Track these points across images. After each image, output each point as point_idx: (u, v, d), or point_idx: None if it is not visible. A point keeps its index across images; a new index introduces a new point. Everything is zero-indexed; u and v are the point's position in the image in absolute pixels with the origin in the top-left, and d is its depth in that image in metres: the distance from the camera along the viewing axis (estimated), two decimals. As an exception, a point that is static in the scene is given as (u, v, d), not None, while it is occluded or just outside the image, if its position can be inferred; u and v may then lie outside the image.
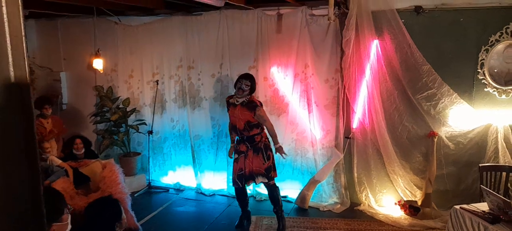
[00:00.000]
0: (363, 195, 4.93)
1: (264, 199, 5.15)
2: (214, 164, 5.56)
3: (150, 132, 5.63)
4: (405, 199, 4.70)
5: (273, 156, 4.29)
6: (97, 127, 6.00)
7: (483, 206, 3.23)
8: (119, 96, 5.85)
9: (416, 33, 4.50)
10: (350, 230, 4.38)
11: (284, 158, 4.44)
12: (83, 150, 4.96)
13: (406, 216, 4.57)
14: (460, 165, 4.62)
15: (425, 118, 4.60)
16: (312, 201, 5.00)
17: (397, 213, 4.66)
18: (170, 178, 5.85)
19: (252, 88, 4.24)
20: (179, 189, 5.68)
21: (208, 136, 5.59)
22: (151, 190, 5.63)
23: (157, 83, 5.63)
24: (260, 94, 5.10)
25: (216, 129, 5.52)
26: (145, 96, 5.84)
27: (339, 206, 4.91)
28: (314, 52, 4.91)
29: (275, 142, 4.28)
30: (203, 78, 5.49)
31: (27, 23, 6.02)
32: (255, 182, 4.29)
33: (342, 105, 4.86)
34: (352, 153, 4.93)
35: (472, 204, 3.32)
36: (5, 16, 0.61)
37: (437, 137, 4.57)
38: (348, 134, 4.91)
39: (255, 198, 5.20)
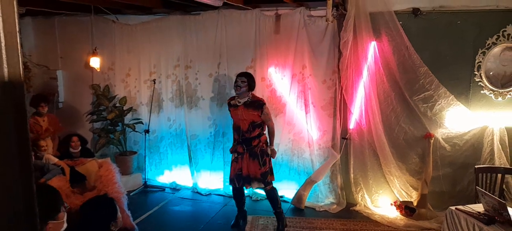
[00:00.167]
0: (359, 196, 4.94)
1: (261, 199, 5.15)
2: (211, 163, 5.56)
3: (147, 131, 5.62)
4: (401, 200, 4.72)
5: (270, 160, 4.27)
6: (93, 125, 5.98)
7: (479, 207, 3.24)
8: (116, 95, 5.83)
9: (413, 35, 4.51)
10: (346, 230, 4.38)
11: (273, 157, 4.39)
12: (79, 148, 4.96)
13: (402, 217, 4.58)
14: (456, 167, 4.64)
15: (422, 119, 4.61)
16: (308, 201, 5.00)
17: (393, 214, 4.67)
18: (166, 177, 5.84)
19: (250, 86, 4.18)
20: (175, 188, 5.67)
21: (204, 136, 5.58)
22: (147, 189, 5.62)
23: (154, 83, 5.62)
24: (258, 94, 5.08)
25: (213, 128, 5.52)
26: (142, 95, 5.82)
27: (335, 206, 4.92)
28: (311, 53, 4.91)
29: (271, 143, 4.27)
30: (201, 78, 5.48)
31: (24, 21, 6.00)
32: (251, 186, 4.28)
33: (339, 106, 4.87)
34: (348, 153, 4.94)
35: (467, 205, 3.33)
36: (-2, 12, 0.60)
37: (433, 138, 4.59)
38: (345, 134, 4.91)
39: (251, 197, 5.20)
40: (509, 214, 2.94)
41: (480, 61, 4.44)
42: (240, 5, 4.80)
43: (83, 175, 4.36)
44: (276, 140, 4.39)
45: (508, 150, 4.43)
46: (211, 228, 4.52)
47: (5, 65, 0.62)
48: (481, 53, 4.43)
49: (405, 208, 4.59)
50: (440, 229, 3.65)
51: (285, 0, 4.64)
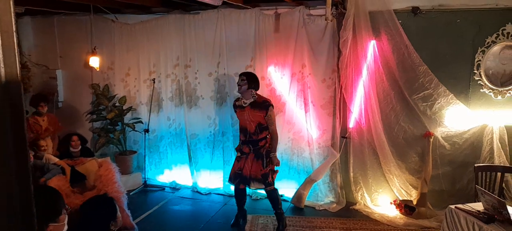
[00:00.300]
0: (359, 195, 4.94)
1: (260, 198, 5.16)
2: (210, 162, 5.55)
3: (146, 130, 5.62)
4: (401, 199, 4.72)
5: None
6: (93, 125, 5.98)
7: (478, 206, 3.24)
8: (116, 95, 5.83)
9: (413, 34, 4.51)
10: (345, 229, 4.38)
11: (277, 165, 4.31)
12: (79, 147, 4.96)
13: (402, 216, 4.58)
14: (455, 165, 4.64)
15: (421, 118, 4.61)
16: (308, 200, 5.00)
17: (393, 213, 4.67)
18: (166, 177, 5.84)
19: (250, 83, 4.14)
20: (175, 187, 5.67)
21: (204, 135, 5.58)
22: (147, 189, 5.62)
23: (154, 82, 5.61)
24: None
25: (212, 128, 5.52)
26: (142, 95, 5.82)
27: (335, 205, 4.92)
28: (311, 52, 4.91)
29: (273, 149, 4.18)
30: (200, 77, 5.48)
31: (23, 20, 6.00)
32: (249, 187, 4.26)
33: (338, 105, 4.86)
34: (348, 152, 4.94)
35: (467, 204, 3.33)
36: (-5, 12, 0.60)
37: (433, 137, 4.59)
38: (344, 133, 4.91)
39: (251, 197, 5.20)
40: (508, 213, 2.94)
41: (480, 60, 4.44)
42: (240, 4, 4.80)
43: (83, 175, 4.35)
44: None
45: (507, 149, 4.42)
46: (211, 227, 4.52)
47: (1, 65, 0.61)
48: (480, 51, 4.43)
49: (405, 206, 4.60)
50: (440, 228, 3.65)
51: (284, -1, 4.64)
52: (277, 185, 4.60)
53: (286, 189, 5.18)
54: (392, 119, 4.72)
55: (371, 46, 4.63)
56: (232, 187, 5.35)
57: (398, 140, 4.73)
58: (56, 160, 4.48)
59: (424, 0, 4.47)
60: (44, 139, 4.94)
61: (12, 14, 0.63)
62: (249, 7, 5.00)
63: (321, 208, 4.90)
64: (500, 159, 4.39)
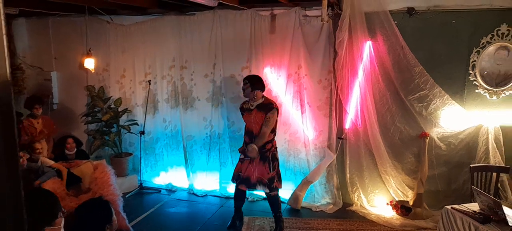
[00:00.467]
0: (356, 196, 4.94)
1: (257, 200, 5.15)
2: (207, 164, 5.53)
3: (142, 132, 5.59)
4: (397, 199, 4.72)
5: (278, 166, 4.25)
6: (88, 127, 5.94)
7: (474, 206, 3.25)
8: (111, 96, 5.79)
9: (408, 35, 4.52)
10: (342, 230, 4.38)
11: (248, 154, 4.11)
12: (75, 150, 4.93)
13: (398, 216, 4.59)
14: (451, 166, 4.65)
15: (417, 118, 4.62)
16: (304, 202, 5.00)
17: (389, 213, 4.67)
18: (162, 179, 5.81)
19: (254, 85, 4.12)
20: (171, 189, 5.64)
21: (200, 137, 5.56)
22: (143, 191, 5.59)
23: (150, 83, 5.59)
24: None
25: (208, 129, 5.50)
26: (137, 97, 5.79)
27: (331, 206, 4.92)
28: (307, 53, 4.91)
29: (255, 142, 4.01)
30: (196, 78, 5.46)
31: (17, 21, 5.95)
32: (255, 188, 4.23)
33: (334, 106, 4.86)
34: (344, 153, 4.94)
35: (463, 204, 3.34)
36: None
37: (428, 137, 4.60)
38: (340, 134, 4.91)
39: (248, 198, 5.18)
40: (504, 213, 2.94)
41: (475, 60, 4.46)
42: (235, 5, 4.79)
43: (79, 177, 4.33)
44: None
45: (503, 149, 4.44)
46: (208, 229, 4.50)
47: (-9, 67, 0.60)
48: (475, 52, 4.45)
49: (401, 207, 4.60)
50: (436, 229, 3.65)
51: (280, 0, 4.63)
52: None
53: (283, 190, 5.13)
54: (388, 120, 4.73)
55: (367, 47, 4.64)
56: (229, 189, 5.36)
57: (394, 141, 4.74)
58: (52, 162, 4.45)
59: (420, 1, 4.48)
60: (39, 142, 4.90)
61: (2, 16, 0.62)
62: (245, 8, 5.00)
63: (317, 209, 4.90)
64: (495, 159, 4.40)
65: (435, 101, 4.53)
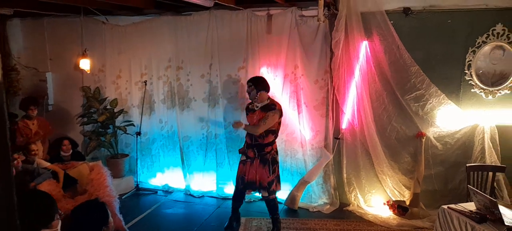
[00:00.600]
0: (352, 196, 4.94)
1: (254, 200, 5.14)
2: (203, 165, 5.52)
3: (138, 133, 5.56)
4: (394, 199, 4.73)
5: (278, 169, 4.25)
6: (84, 128, 5.90)
7: (470, 206, 3.26)
8: (107, 97, 5.76)
9: (404, 35, 4.53)
10: (339, 230, 4.38)
11: (234, 126, 4.33)
12: (70, 151, 4.90)
13: (395, 216, 4.60)
14: (447, 165, 4.67)
15: (414, 118, 4.63)
16: (301, 202, 4.99)
17: (386, 213, 4.68)
18: (158, 180, 5.79)
19: (259, 87, 4.10)
20: (167, 190, 5.62)
21: (197, 137, 5.54)
22: (139, 192, 5.56)
23: (146, 84, 5.56)
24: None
25: (205, 130, 5.48)
26: (133, 97, 5.76)
27: (328, 206, 4.92)
28: (303, 53, 4.90)
29: (245, 127, 4.10)
30: (192, 79, 5.44)
31: (12, 22, 5.91)
32: (258, 191, 4.23)
33: (331, 106, 4.87)
34: (341, 153, 4.94)
35: (459, 204, 3.35)
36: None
37: (425, 137, 4.61)
38: (337, 134, 4.91)
39: (244, 199, 5.17)
40: (500, 212, 2.96)
41: (470, 60, 4.48)
42: (232, 5, 4.78)
43: (75, 179, 4.30)
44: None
45: (498, 148, 4.46)
46: (205, 230, 4.48)
47: (-17, 68, 0.59)
48: (471, 52, 4.46)
49: (398, 207, 4.61)
50: (433, 228, 3.66)
51: (276, 0, 4.63)
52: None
53: (280, 191, 5.15)
54: (384, 120, 4.73)
55: (363, 47, 4.64)
56: (226, 189, 5.35)
57: (391, 141, 4.75)
58: (48, 164, 4.42)
59: (416, 1, 4.49)
60: (35, 143, 4.86)
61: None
62: (241, 8, 4.99)
63: (314, 210, 4.90)
64: (491, 159, 4.42)
65: (431, 101, 4.54)
